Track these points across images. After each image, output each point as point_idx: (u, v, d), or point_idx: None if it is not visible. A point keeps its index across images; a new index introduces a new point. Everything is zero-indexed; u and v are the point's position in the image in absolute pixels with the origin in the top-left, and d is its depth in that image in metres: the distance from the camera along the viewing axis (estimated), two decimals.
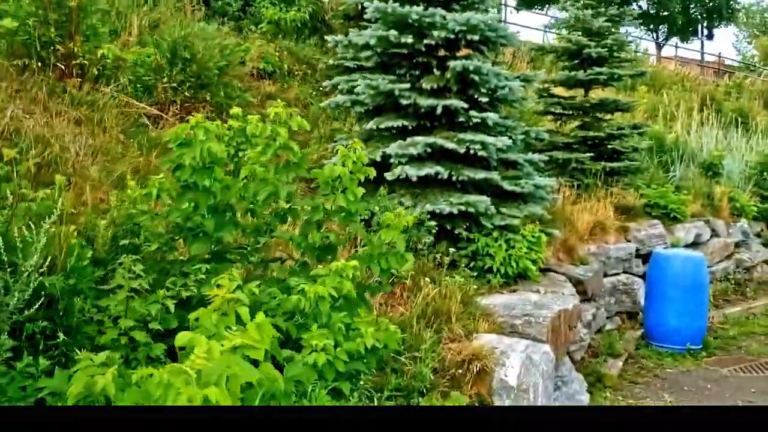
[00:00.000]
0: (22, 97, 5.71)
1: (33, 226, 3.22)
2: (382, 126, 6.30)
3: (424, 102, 6.14)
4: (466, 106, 6.14)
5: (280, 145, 3.36)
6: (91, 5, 6.48)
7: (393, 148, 6.00)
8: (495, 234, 6.01)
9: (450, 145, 5.96)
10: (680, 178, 10.68)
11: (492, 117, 6.15)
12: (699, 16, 33.65)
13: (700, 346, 7.75)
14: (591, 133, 9.18)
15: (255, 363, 2.79)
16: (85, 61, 6.37)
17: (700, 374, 7.08)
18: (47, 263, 3.04)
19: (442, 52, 6.61)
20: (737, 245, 10.66)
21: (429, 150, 6.00)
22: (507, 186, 6.16)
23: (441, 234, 5.87)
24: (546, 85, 9.58)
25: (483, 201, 5.84)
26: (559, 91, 9.81)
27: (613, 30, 9.50)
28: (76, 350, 2.74)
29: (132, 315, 3.19)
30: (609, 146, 9.31)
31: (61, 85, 6.17)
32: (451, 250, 5.78)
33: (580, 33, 9.47)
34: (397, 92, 6.16)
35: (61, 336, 2.99)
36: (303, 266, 3.60)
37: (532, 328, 5.14)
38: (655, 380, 6.88)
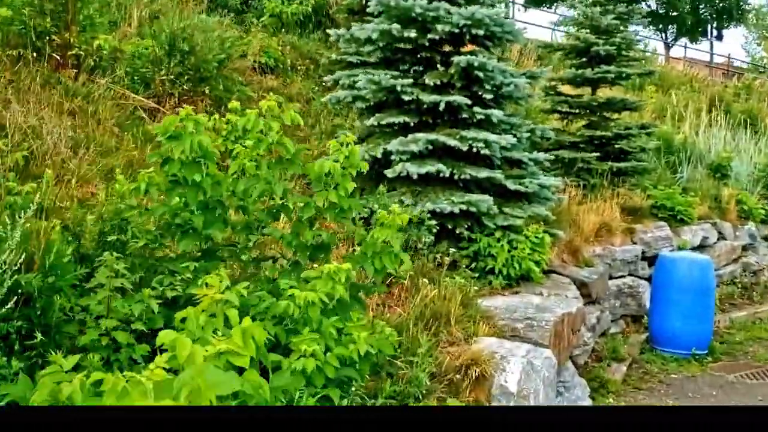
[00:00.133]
0: (14, 88, 5.59)
1: (16, 221, 3.09)
2: (383, 122, 6.15)
3: (427, 98, 5.99)
4: (469, 102, 5.99)
5: (273, 140, 3.21)
6: None
7: (394, 145, 5.86)
8: (497, 234, 5.86)
9: (452, 143, 5.82)
10: (688, 179, 10.52)
11: (496, 114, 6.00)
12: (709, 17, 33.37)
13: (706, 351, 7.60)
14: (598, 133, 9.03)
15: (242, 369, 2.66)
16: (81, 52, 6.26)
17: (706, 380, 6.92)
18: (24, 260, 2.90)
19: (446, 48, 6.47)
20: (744, 248, 10.51)
21: (431, 147, 5.86)
22: (511, 185, 6.02)
23: (442, 233, 5.73)
24: (553, 83, 9.43)
25: (485, 200, 5.69)
26: (566, 89, 9.65)
27: (621, 28, 9.34)
28: (51, 352, 2.61)
29: (115, 315, 3.06)
30: (616, 146, 9.16)
31: (56, 76, 6.05)
32: (452, 250, 5.64)
33: (588, 30, 9.31)
34: (399, 88, 6.01)
35: (39, 336, 2.85)
36: (295, 266, 3.46)
37: (534, 332, 4.99)
38: (660, 386, 6.72)
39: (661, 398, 6.37)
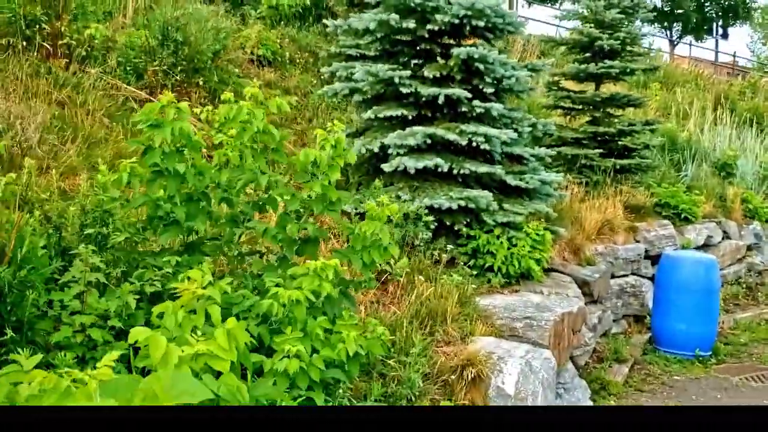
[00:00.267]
0: (2, 77, 5.45)
1: None
2: (381, 115, 5.99)
3: (426, 91, 5.83)
4: (469, 95, 5.82)
5: (258, 128, 3.06)
6: None
7: (391, 138, 5.70)
8: (497, 231, 5.70)
9: (451, 137, 5.66)
10: (692, 177, 10.35)
11: (497, 108, 5.84)
12: (714, 15, 33.15)
13: (710, 353, 7.44)
14: (601, 129, 8.86)
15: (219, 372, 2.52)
16: (73, 42, 6.11)
17: (710, 382, 6.76)
18: None
19: (446, 39, 6.30)
20: (749, 248, 10.36)
21: (429, 141, 5.70)
22: (511, 181, 5.86)
23: (440, 230, 5.58)
24: (556, 78, 9.25)
25: (485, 196, 5.54)
26: (569, 84, 9.47)
27: (626, 22, 9.16)
28: (19, 350, 2.46)
29: (91, 311, 2.91)
30: (619, 143, 8.98)
31: (46, 66, 5.90)
32: (450, 247, 5.48)
33: (592, 25, 9.13)
34: (397, 80, 5.85)
35: (9, 333, 2.71)
36: (282, 261, 3.30)
37: (534, 332, 4.84)
38: (662, 388, 6.56)
39: (663, 400, 6.21)
